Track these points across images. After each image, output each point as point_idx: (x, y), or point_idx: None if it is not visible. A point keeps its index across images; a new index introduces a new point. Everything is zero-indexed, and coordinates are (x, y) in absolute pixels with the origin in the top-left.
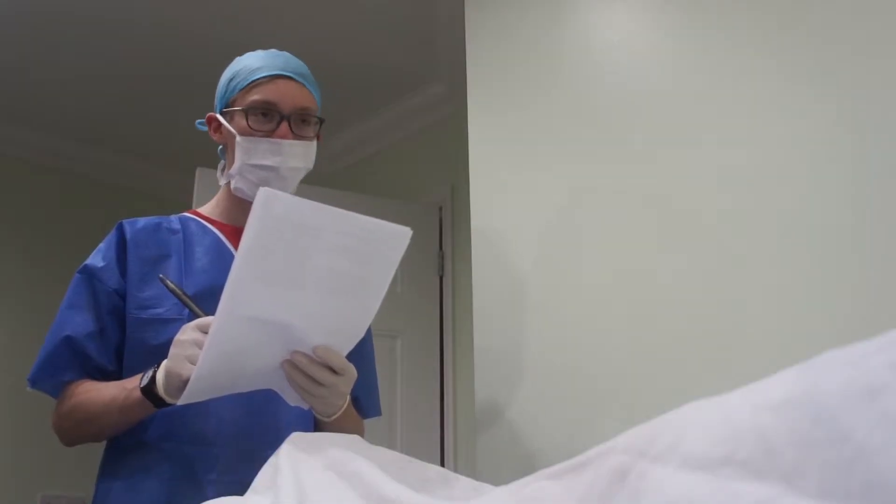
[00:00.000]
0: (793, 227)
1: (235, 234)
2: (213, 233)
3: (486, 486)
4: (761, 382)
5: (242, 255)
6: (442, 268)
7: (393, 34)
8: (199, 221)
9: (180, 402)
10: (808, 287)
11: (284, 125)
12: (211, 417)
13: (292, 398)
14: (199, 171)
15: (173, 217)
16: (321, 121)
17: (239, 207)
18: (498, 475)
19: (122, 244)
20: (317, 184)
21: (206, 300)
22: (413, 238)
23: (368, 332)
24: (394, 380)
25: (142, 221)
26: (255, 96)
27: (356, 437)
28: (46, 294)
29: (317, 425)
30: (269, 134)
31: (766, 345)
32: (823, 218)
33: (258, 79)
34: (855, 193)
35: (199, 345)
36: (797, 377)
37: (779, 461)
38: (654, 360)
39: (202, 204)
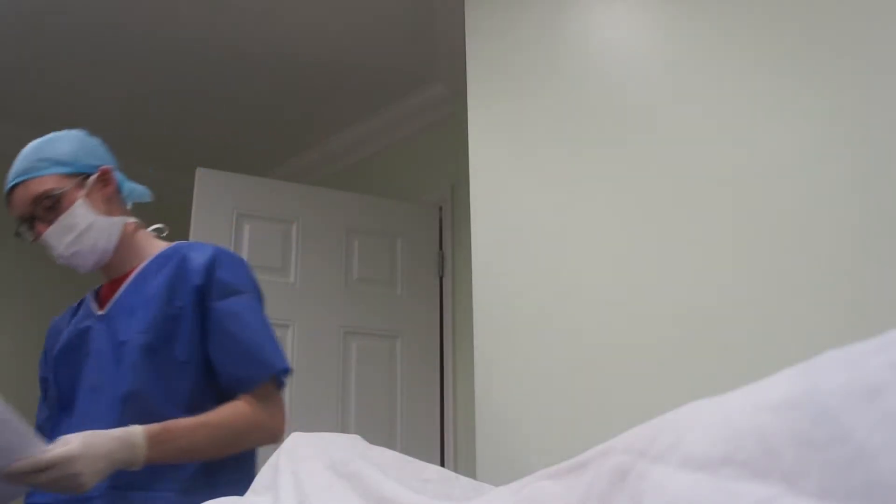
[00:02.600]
0: (793, 226)
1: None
2: (87, 300)
3: (486, 486)
4: (761, 382)
5: None
6: (442, 268)
7: (393, 34)
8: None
9: None
10: (809, 286)
11: (36, 227)
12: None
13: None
14: (198, 172)
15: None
16: (73, 177)
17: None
18: (498, 475)
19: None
20: (317, 184)
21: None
22: (413, 238)
23: (237, 298)
24: (394, 380)
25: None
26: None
27: (356, 436)
28: (47, 295)
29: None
30: (37, 237)
31: (766, 344)
32: (823, 218)
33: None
34: (855, 193)
35: None
36: (797, 377)
37: (779, 461)
38: (654, 360)
39: (201, 204)
